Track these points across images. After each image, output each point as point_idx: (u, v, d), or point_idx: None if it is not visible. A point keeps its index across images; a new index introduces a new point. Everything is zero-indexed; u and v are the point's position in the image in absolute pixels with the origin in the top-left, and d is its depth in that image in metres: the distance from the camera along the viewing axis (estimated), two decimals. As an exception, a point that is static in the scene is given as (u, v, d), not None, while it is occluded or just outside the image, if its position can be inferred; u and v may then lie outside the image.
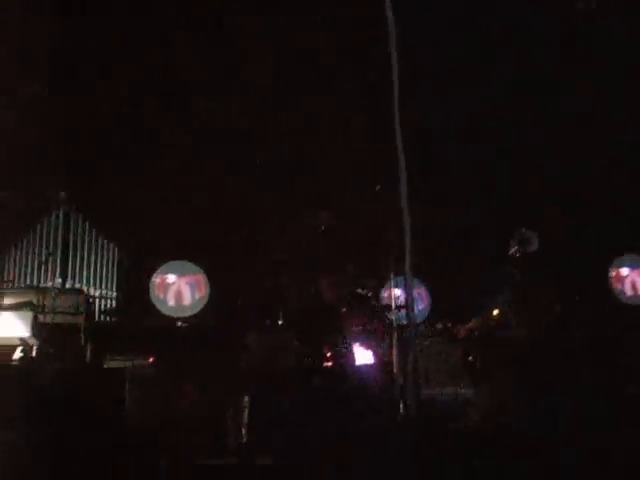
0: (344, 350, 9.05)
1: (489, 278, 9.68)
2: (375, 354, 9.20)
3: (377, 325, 9.50)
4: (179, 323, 10.20)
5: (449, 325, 9.66)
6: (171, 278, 10.34)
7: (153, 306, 10.19)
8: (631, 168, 10.67)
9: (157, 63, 10.87)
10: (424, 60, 10.18)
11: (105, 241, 11.36)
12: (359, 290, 9.88)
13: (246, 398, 7.97)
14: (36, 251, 11.01)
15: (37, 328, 8.95)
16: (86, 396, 7.37)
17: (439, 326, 9.74)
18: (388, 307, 9.69)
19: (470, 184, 11.01)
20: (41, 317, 9.07)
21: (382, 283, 10.16)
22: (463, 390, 8.19)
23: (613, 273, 10.77)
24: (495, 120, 11.05)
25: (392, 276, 9.70)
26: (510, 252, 9.41)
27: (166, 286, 10.29)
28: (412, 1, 8.00)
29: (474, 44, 10.73)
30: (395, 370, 8.50)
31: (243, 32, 10.72)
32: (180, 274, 10.37)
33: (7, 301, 9.25)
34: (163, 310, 10.19)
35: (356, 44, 10.50)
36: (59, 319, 9.25)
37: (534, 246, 9.31)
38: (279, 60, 10.91)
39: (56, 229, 11.10)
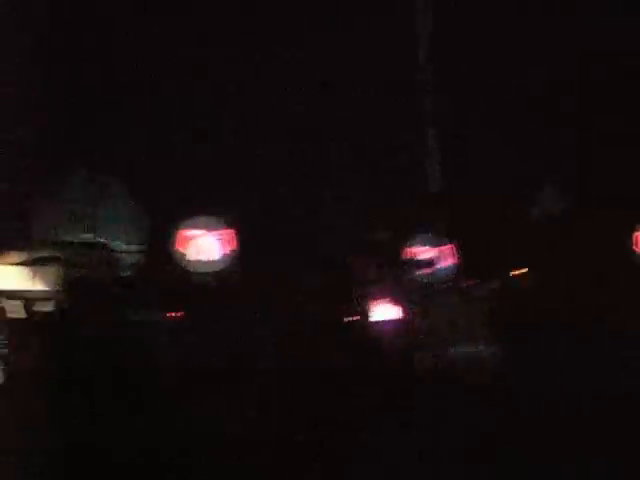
0: (366, 305, 9.08)
1: (516, 237, 9.60)
2: (398, 310, 9.21)
3: (401, 281, 9.49)
4: (206, 278, 10.22)
5: (473, 283, 9.61)
6: (198, 232, 10.30)
7: (179, 260, 10.21)
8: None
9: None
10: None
11: (131, 195, 11.38)
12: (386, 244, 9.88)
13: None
14: (63, 206, 11.07)
15: (63, 282, 9.06)
16: (117, 351, 7.49)
17: (463, 284, 9.69)
18: (412, 262, 9.67)
19: (500, 137, 10.86)
20: (67, 271, 9.16)
21: (407, 238, 10.11)
22: (483, 348, 8.17)
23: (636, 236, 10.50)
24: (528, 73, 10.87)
25: (417, 231, 9.67)
26: (538, 210, 9.32)
27: (193, 240, 10.28)
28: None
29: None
30: (417, 326, 8.51)
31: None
32: (208, 228, 10.35)
33: (34, 256, 9.35)
34: (189, 265, 10.21)
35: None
36: (85, 273, 9.34)
37: (562, 204, 9.20)
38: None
39: (83, 184, 11.13)
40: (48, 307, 9.18)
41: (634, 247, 10.35)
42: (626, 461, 5.90)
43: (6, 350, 8.02)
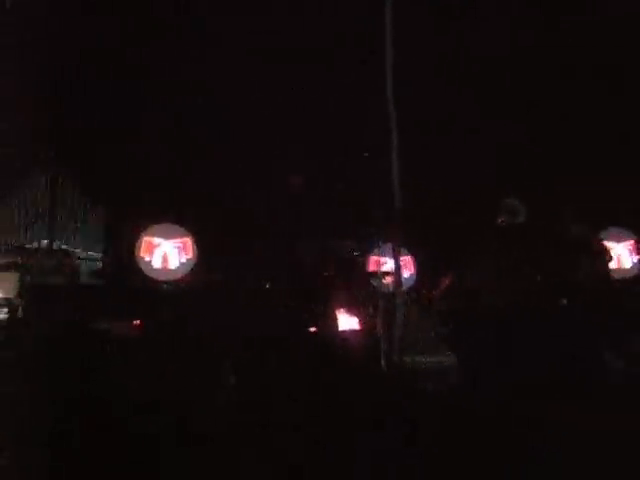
0: (328, 316, 9.10)
1: (470, 248, 9.74)
2: (359, 320, 9.26)
3: (362, 291, 9.56)
4: (165, 285, 10.20)
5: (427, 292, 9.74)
6: (157, 240, 10.27)
7: (139, 268, 10.16)
8: (620, 140, 10.72)
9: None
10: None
11: (91, 202, 11.31)
12: (348, 254, 9.93)
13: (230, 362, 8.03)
14: (22, 212, 10.96)
15: (22, 288, 8.97)
16: (71, 358, 7.40)
17: (423, 293, 9.80)
18: (374, 274, 9.74)
19: (459, 151, 11.01)
20: (27, 278, 9.08)
21: (368, 249, 10.21)
22: (443, 358, 8.26)
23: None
24: (485, 84, 11.04)
25: (379, 243, 9.75)
26: (496, 221, 9.45)
27: (152, 248, 10.24)
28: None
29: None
30: (379, 337, 8.56)
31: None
32: (167, 237, 10.33)
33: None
34: (149, 272, 10.16)
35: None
36: (45, 280, 9.27)
37: (521, 217, 9.35)
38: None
39: (43, 190, 11.03)
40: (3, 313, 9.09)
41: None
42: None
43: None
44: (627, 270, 10.80)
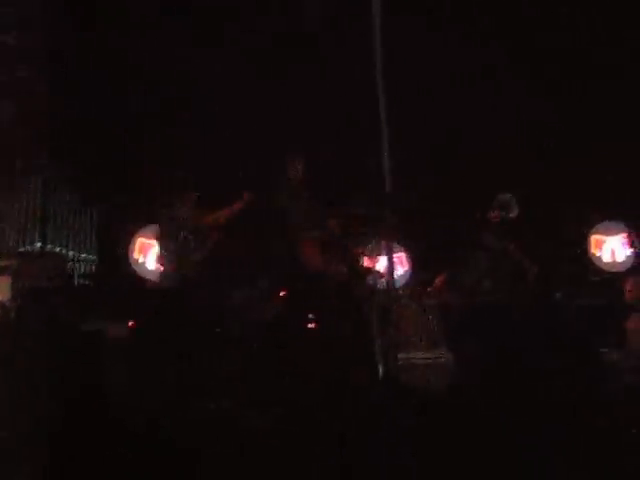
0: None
1: (466, 244, 9.74)
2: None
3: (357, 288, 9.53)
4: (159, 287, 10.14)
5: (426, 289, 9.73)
6: (152, 241, 10.15)
7: (133, 269, 10.12)
8: (618, 133, 10.73)
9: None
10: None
11: (84, 204, 11.22)
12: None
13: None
14: (16, 214, 10.88)
15: (16, 292, 8.96)
16: (64, 359, 7.38)
17: (418, 290, 9.79)
18: (368, 270, 9.72)
19: (451, 146, 10.99)
20: (20, 281, 9.07)
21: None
22: (440, 355, 8.23)
23: (593, 239, 10.84)
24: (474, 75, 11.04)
25: (373, 239, 9.73)
26: (489, 217, 9.47)
27: (147, 249, 10.18)
28: None
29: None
30: (373, 333, 8.55)
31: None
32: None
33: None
34: (143, 273, 10.12)
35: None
36: (38, 282, 9.24)
37: (514, 212, 9.37)
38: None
39: (35, 192, 10.96)
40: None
41: (593, 250, 10.72)
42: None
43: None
44: (621, 263, 10.83)
